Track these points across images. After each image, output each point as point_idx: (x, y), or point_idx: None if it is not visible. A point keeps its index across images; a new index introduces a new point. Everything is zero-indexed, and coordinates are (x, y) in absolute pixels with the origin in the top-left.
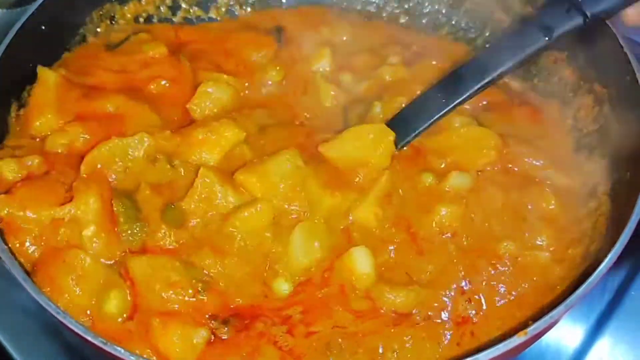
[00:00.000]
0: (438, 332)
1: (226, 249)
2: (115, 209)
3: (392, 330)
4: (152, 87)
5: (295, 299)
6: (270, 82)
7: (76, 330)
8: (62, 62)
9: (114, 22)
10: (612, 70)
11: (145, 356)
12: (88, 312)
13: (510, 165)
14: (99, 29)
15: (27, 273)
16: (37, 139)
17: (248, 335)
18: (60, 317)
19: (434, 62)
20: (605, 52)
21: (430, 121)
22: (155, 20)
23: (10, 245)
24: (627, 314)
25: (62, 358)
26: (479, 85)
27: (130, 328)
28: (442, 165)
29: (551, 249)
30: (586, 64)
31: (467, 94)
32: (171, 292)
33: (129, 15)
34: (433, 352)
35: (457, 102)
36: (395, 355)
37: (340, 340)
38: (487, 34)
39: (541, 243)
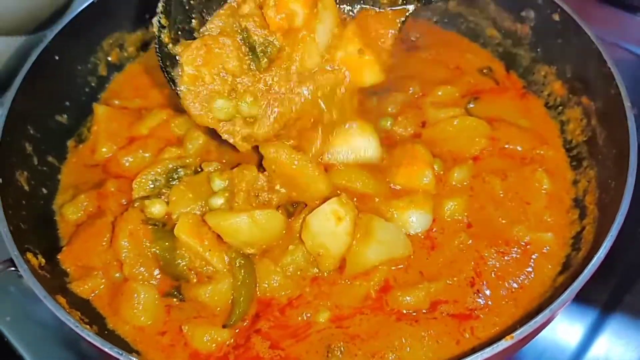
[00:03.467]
0: (439, 329)
1: None
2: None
3: (394, 329)
4: None
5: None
6: None
7: (94, 342)
8: (111, 92)
9: (123, 50)
10: (598, 84)
11: None
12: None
13: (504, 146)
14: (109, 58)
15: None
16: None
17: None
18: (78, 331)
19: None
20: (591, 66)
21: None
22: None
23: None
24: (626, 313)
25: None
26: None
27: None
28: (439, 154)
29: (550, 220)
30: (574, 77)
31: None
32: None
33: (138, 43)
34: (431, 351)
35: None
36: (394, 356)
37: (341, 343)
38: None
39: (548, 220)
